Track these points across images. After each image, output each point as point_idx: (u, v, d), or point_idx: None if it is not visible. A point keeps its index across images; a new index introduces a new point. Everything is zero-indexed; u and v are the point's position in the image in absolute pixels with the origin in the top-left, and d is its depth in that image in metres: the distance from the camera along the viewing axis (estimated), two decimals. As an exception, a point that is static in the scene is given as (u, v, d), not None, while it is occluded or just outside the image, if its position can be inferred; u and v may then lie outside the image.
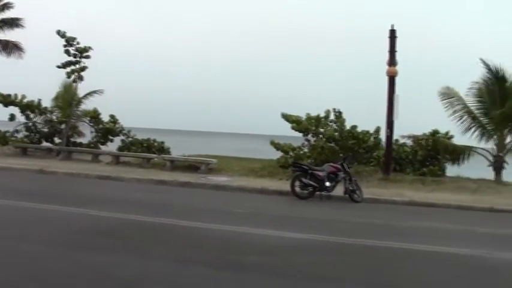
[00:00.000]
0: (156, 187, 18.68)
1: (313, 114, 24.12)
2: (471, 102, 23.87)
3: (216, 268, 8.07)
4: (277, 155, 23.95)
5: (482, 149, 23.50)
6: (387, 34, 22.13)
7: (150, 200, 15.45)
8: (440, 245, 10.74)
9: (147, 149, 26.19)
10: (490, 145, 23.38)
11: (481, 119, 23.59)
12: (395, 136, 22.66)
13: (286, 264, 8.63)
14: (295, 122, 23.89)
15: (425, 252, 10.17)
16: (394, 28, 22.04)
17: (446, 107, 23.69)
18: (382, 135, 23.00)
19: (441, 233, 12.59)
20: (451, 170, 23.90)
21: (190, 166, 23.19)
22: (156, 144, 26.92)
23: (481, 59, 23.04)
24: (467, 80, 23.97)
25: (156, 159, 24.46)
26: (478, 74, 23.46)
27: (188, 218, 12.30)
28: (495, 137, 23.14)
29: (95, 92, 28.00)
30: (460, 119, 23.68)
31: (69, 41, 26.51)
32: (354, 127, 23.72)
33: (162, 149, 26.62)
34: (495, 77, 23.02)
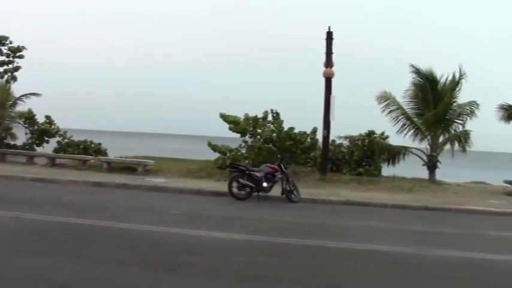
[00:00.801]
0: (92, 189, 18.34)
1: (252, 115, 24.22)
2: (406, 104, 24.47)
3: (150, 269, 7.98)
4: (215, 156, 23.90)
5: (416, 149, 24.06)
6: (324, 36, 22.40)
7: (86, 202, 15.16)
8: (376, 243, 10.94)
9: (83, 151, 25.66)
10: (424, 145, 24.00)
11: (416, 120, 24.16)
12: (332, 137, 22.91)
13: (222, 265, 8.60)
14: (233, 123, 23.91)
15: (361, 251, 10.31)
16: (331, 30, 22.31)
17: (383, 108, 24.20)
18: (319, 136, 23.22)
19: (377, 231, 12.80)
20: (387, 170, 24.35)
21: (127, 168, 22.91)
22: (92, 145, 26.44)
23: (412, 65, 23.83)
24: (404, 83, 24.61)
25: (92, 160, 24.05)
26: (413, 77, 24.19)
27: (124, 219, 12.14)
28: (429, 137, 23.74)
29: (32, 94, 27.10)
30: (396, 120, 24.18)
31: (1, 40, 25.86)
32: (291, 128, 23.94)
33: (98, 151, 26.17)
34: (427, 80, 23.69)
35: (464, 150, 23.65)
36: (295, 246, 10.51)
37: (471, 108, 23.54)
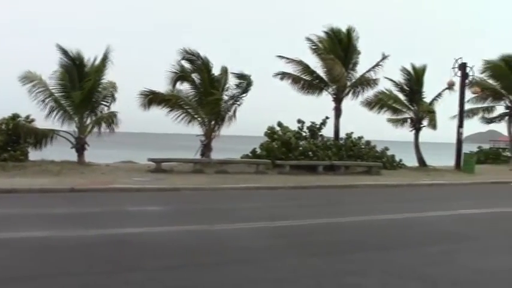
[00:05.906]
0: None
1: None
2: (53, 86, 24.18)
3: None
4: None
5: (65, 131, 24.06)
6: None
7: None
8: (13, 231, 10.55)
9: None
10: (72, 128, 24.06)
11: (63, 102, 24.04)
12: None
13: None
14: None
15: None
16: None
17: (29, 91, 23.52)
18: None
19: (18, 218, 12.39)
20: (35, 154, 23.89)
21: None
22: None
23: (58, 45, 23.83)
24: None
25: None
26: (60, 58, 24.11)
27: None
28: (76, 119, 23.88)
29: None
30: (43, 103, 23.75)
31: None
32: None
33: None
34: (73, 62, 23.82)
35: (112, 131, 24.33)
36: None
37: (112, 91, 24.35)
